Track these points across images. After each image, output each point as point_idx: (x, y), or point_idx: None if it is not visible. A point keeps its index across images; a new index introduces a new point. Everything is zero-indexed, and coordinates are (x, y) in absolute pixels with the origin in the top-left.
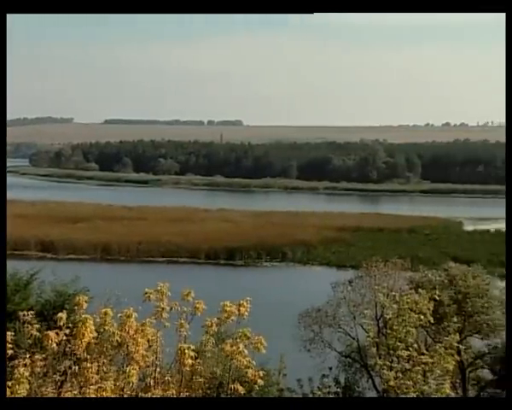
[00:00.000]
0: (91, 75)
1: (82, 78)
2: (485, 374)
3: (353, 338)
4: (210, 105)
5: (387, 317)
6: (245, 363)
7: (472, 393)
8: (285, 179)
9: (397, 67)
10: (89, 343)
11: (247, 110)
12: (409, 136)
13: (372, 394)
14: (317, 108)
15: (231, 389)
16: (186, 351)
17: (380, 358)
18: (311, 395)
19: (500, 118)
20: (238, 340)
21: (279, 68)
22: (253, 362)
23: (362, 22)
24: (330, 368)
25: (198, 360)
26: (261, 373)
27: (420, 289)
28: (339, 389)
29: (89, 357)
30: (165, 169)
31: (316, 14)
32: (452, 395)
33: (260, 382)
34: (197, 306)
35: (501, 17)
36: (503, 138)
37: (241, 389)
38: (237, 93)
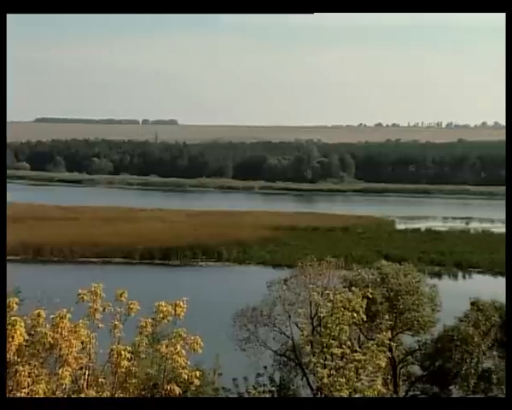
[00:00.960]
0: (21, 74)
1: (12, 76)
2: (416, 370)
3: (288, 337)
4: (145, 104)
5: (322, 315)
6: (181, 363)
7: (403, 389)
8: (221, 179)
9: (330, 67)
10: (19, 346)
11: (182, 110)
12: (342, 136)
13: (307, 391)
14: (253, 108)
15: (167, 390)
16: (122, 352)
17: (314, 356)
18: (246, 395)
19: (429, 119)
20: (173, 340)
21: (214, 68)
22: (189, 362)
23: (296, 22)
24: (265, 367)
25: (132, 362)
26: (197, 373)
27: (353, 288)
28: (274, 388)
29: (19, 360)
30: (98, 168)
31: (248, 15)
32: (384, 391)
33: (196, 382)
34: (131, 306)
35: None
36: (432, 138)
37: (177, 390)
38: (172, 92)
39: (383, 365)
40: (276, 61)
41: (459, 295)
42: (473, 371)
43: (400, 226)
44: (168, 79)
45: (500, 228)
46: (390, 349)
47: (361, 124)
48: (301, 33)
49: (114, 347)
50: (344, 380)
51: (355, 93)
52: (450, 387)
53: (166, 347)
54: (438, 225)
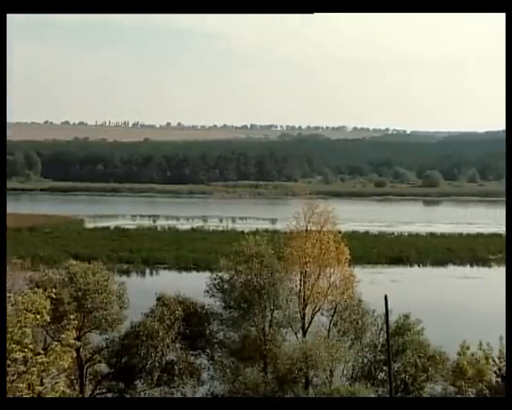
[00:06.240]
0: None
1: None
2: (103, 368)
3: None
4: None
5: None
6: None
7: (89, 388)
8: None
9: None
10: None
11: None
12: (27, 133)
13: None
14: None
15: None
16: None
17: None
18: None
19: (116, 118)
20: None
21: None
22: None
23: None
24: None
25: None
26: None
27: (36, 288)
28: None
29: None
30: None
31: None
32: (68, 392)
33: None
34: None
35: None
36: (119, 138)
37: None
38: None
39: (67, 365)
40: None
41: (147, 291)
42: (157, 364)
43: (90, 225)
44: None
45: (185, 225)
46: (77, 349)
47: (47, 121)
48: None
49: None
50: (25, 385)
51: (40, 89)
52: (136, 382)
53: None
54: (127, 224)
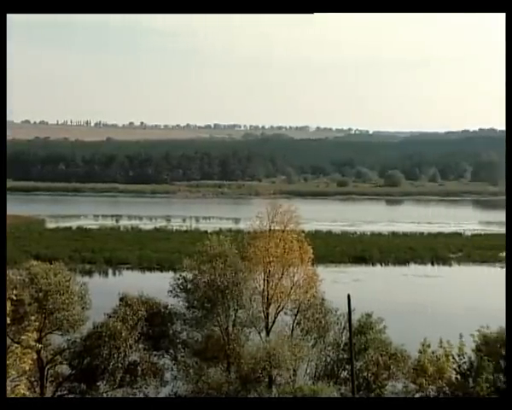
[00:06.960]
0: None
1: None
2: (64, 369)
3: None
4: None
5: None
6: None
7: (50, 389)
8: None
9: None
10: None
11: None
12: None
13: None
14: None
15: None
16: None
17: None
18: None
19: (78, 117)
20: None
21: None
22: None
23: None
24: None
25: None
26: None
27: None
28: None
29: None
30: None
31: None
32: (28, 394)
33: None
34: None
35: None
36: (81, 137)
37: None
38: None
39: (27, 368)
40: None
41: (109, 291)
42: (120, 365)
43: (51, 225)
44: None
45: (148, 225)
46: (38, 351)
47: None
48: None
49: None
50: None
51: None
52: (98, 383)
53: None
54: (89, 224)
